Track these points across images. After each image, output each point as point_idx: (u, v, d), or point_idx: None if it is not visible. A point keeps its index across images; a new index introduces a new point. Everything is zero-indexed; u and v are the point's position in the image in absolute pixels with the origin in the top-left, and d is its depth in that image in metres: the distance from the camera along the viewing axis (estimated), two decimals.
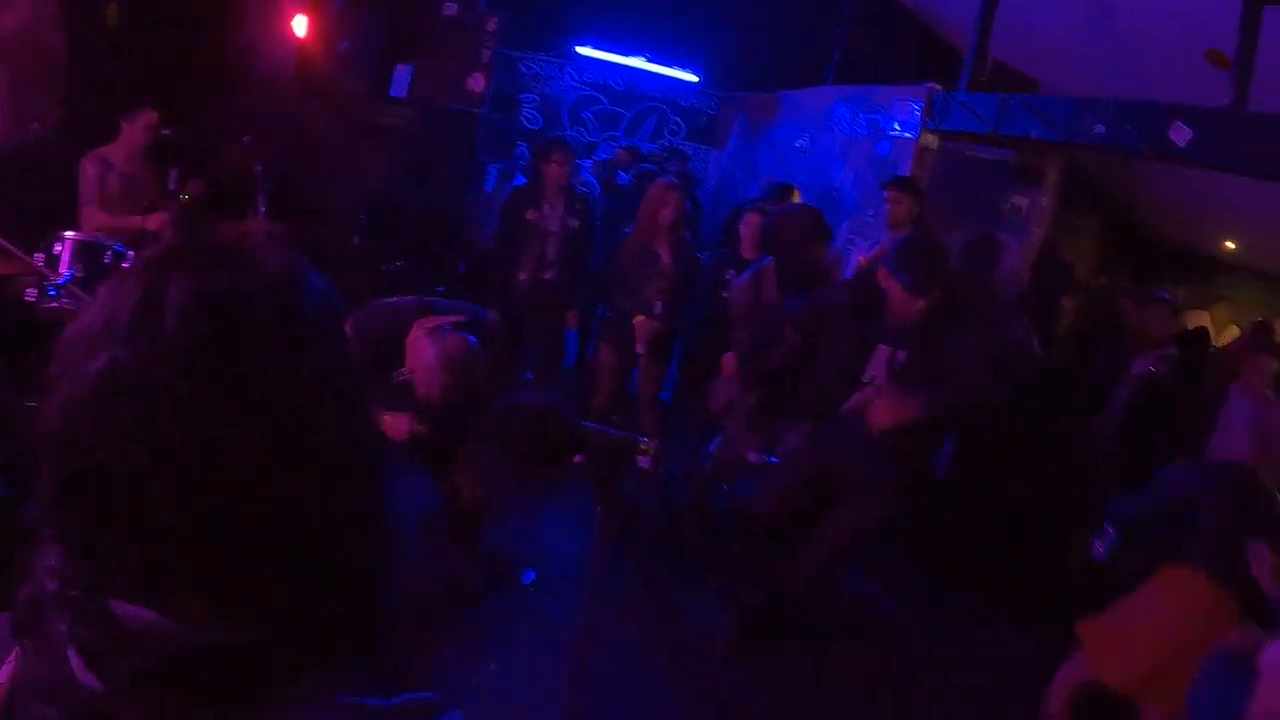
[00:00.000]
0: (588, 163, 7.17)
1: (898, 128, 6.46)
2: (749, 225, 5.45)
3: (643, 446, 1.77)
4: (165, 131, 4.64)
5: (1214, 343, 7.74)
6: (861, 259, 5.53)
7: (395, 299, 3.29)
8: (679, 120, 9.52)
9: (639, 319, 5.03)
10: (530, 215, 5.33)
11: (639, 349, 5.12)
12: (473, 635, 3.68)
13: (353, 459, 0.71)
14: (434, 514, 3.74)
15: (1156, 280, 8.79)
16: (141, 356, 0.63)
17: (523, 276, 5.34)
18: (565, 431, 1.69)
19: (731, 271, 5.41)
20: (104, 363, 0.63)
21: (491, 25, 5.95)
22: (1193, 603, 2.88)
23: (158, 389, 0.62)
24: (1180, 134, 4.20)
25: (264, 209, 4.68)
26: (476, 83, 6.06)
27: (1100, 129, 4.48)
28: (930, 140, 6.14)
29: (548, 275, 5.38)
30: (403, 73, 5.34)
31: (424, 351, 2.92)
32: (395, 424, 3.18)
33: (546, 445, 1.69)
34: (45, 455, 0.65)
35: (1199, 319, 8.58)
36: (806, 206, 5.41)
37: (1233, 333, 8.40)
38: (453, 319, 3.07)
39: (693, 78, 9.14)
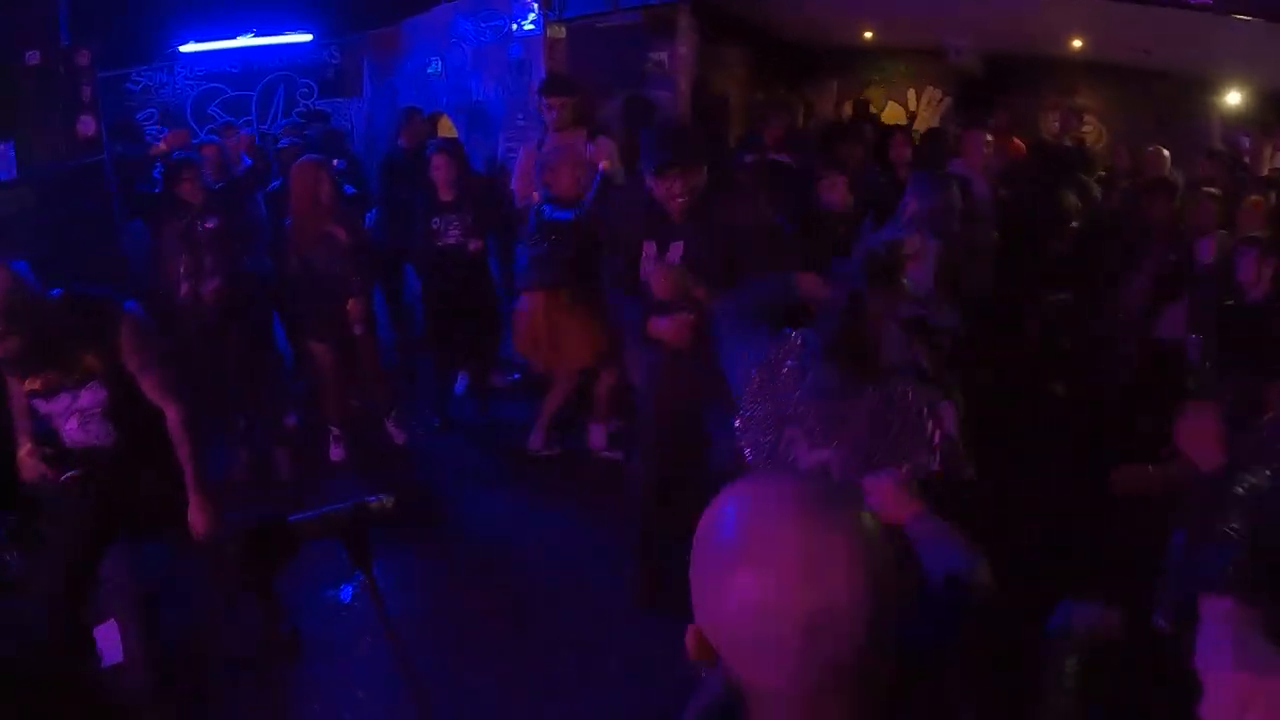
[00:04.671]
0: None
1: (525, 26, 6.56)
2: (440, 169, 5.20)
3: (375, 505, 1.79)
4: None
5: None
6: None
7: None
8: (309, 83, 9.02)
9: (350, 303, 4.95)
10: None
11: (357, 330, 5.04)
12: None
13: None
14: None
15: (812, 81, 9.32)
16: None
17: (184, 289, 4.95)
18: (283, 542, 1.68)
19: (436, 219, 5.23)
20: None
21: (84, 59, 5.35)
22: None
23: None
24: None
25: None
26: (86, 126, 5.46)
27: None
28: (557, 31, 6.25)
29: (210, 286, 5.02)
30: (5, 150, 4.75)
31: None
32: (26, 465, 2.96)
33: (267, 562, 1.67)
34: None
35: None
36: None
37: (894, 110, 8.99)
38: None
39: (307, 36, 8.73)
